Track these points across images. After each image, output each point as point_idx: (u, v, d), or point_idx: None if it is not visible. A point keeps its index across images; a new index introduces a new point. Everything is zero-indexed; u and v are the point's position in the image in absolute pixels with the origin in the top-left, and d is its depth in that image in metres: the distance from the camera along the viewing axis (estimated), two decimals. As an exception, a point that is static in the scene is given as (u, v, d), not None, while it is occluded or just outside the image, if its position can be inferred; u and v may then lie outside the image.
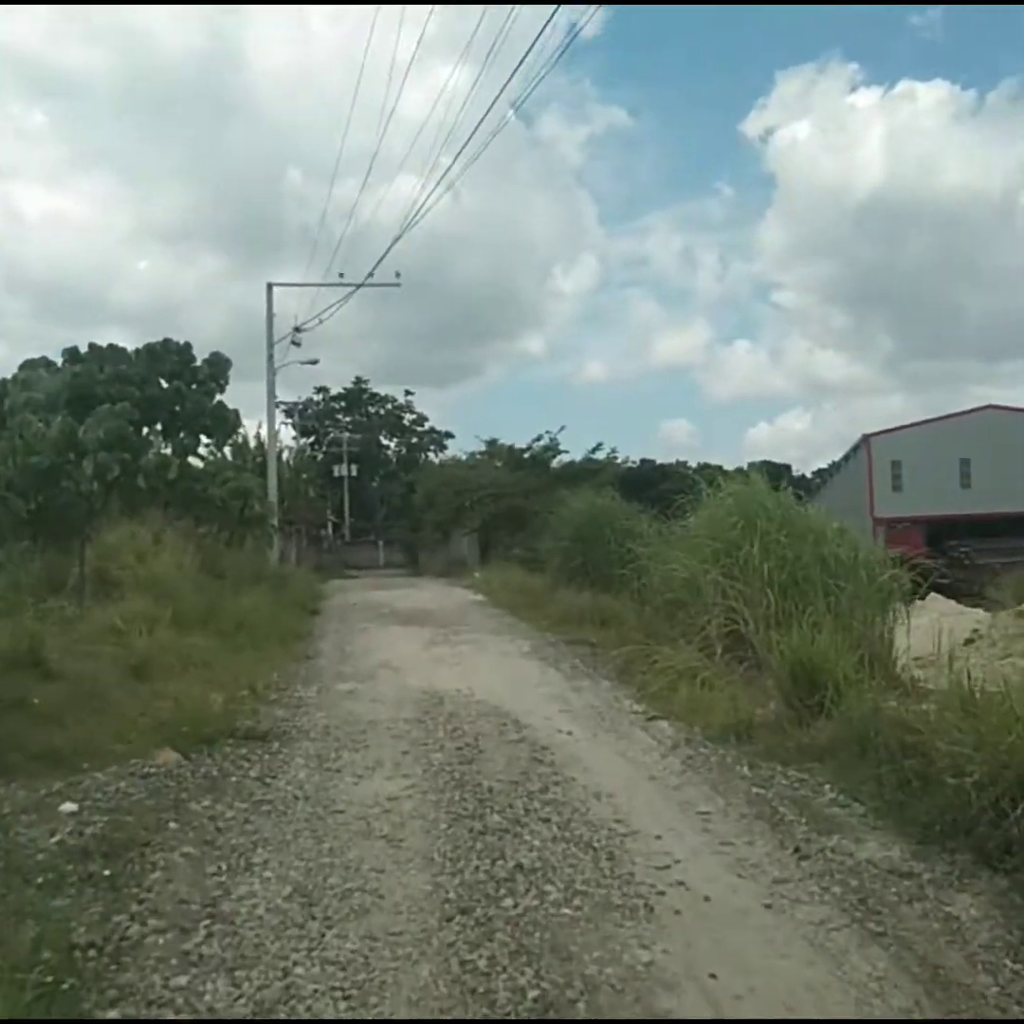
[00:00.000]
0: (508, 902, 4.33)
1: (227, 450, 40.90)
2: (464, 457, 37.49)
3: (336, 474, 65.61)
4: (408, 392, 71.42)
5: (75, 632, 8.85)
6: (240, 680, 8.57)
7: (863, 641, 7.94)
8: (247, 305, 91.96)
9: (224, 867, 4.71)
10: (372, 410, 72.24)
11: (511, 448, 33.37)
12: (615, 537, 13.90)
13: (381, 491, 69.56)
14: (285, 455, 42.81)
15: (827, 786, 5.80)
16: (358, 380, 71.70)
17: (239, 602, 12.26)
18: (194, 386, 16.11)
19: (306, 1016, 3.43)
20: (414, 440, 70.50)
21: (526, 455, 32.60)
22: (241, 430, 39.55)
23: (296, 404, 54.23)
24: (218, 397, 16.52)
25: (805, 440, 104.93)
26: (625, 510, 14.84)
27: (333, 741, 7.04)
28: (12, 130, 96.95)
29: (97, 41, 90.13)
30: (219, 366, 16.57)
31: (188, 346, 16.19)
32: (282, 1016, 3.44)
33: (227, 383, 16.63)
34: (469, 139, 17.79)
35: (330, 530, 57.54)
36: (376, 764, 6.44)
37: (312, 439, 69.19)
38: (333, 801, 5.66)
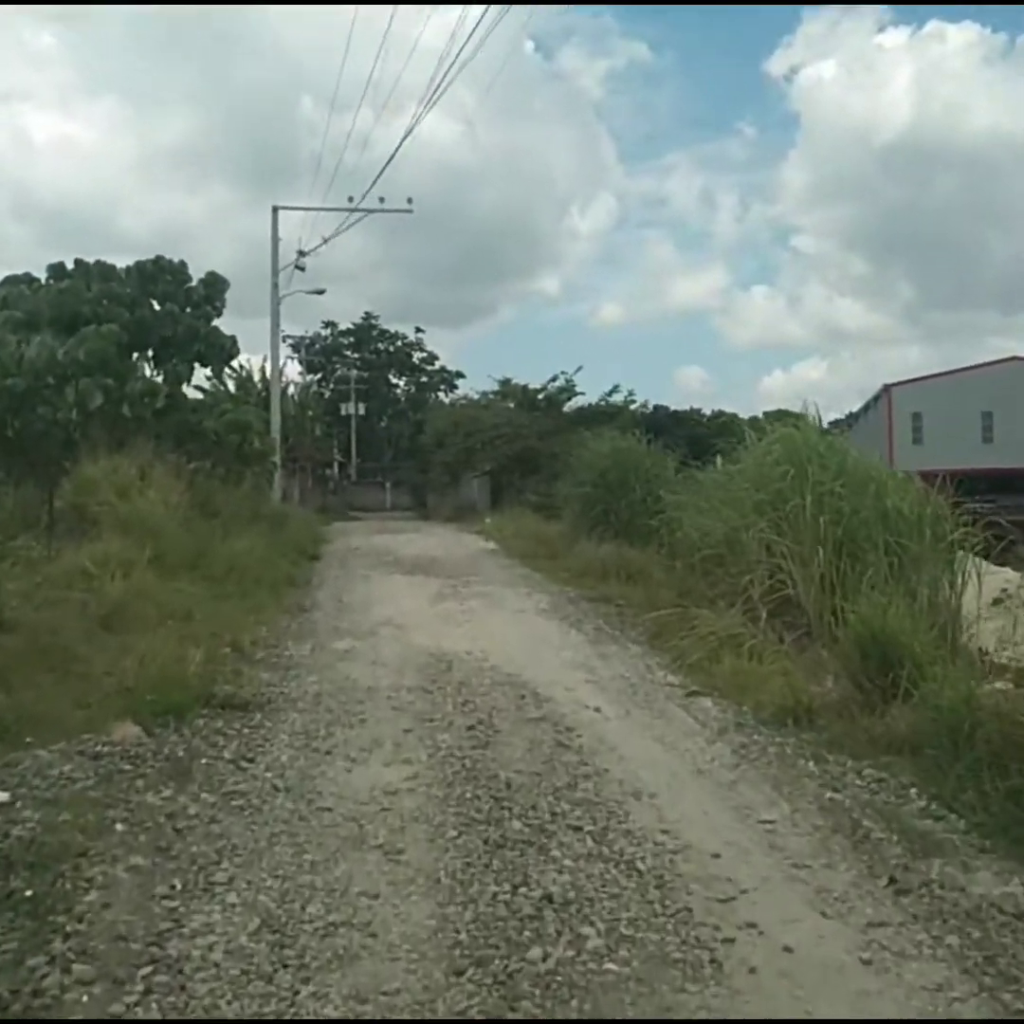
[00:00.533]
0: (536, 951, 3.37)
1: (229, 382, 40.10)
2: (476, 397, 36.25)
3: (343, 412, 64.32)
4: (419, 329, 69.68)
5: (39, 575, 7.86)
6: (224, 635, 7.60)
7: (934, 610, 6.93)
8: (255, 236, 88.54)
9: (178, 886, 3.76)
10: (381, 347, 70.55)
11: (525, 388, 32.12)
12: (641, 484, 12.84)
13: (389, 431, 68.29)
14: (291, 390, 41.64)
15: (913, 790, 4.83)
16: (367, 316, 69.93)
17: (231, 545, 11.27)
18: (188, 310, 14.89)
19: None
20: (424, 379, 68.95)
21: (540, 396, 31.38)
22: (244, 361, 38.85)
23: (303, 338, 52.80)
24: (214, 321, 15.32)
25: (821, 389, 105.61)
26: (653, 454, 13.73)
27: (325, 713, 6.08)
28: (20, 53, 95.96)
29: None
30: (215, 287, 15.31)
31: (183, 265, 14.94)
32: None
33: (224, 306, 15.43)
34: (467, 44, 16.25)
35: (336, 470, 56.49)
36: (373, 744, 5.48)
37: (319, 376, 67.71)
38: (320, 794, 4.71)
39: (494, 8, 14.70)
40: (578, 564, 12.01)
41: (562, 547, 13.98)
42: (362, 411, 65.11)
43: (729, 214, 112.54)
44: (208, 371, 16.04)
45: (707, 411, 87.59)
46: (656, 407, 31.13)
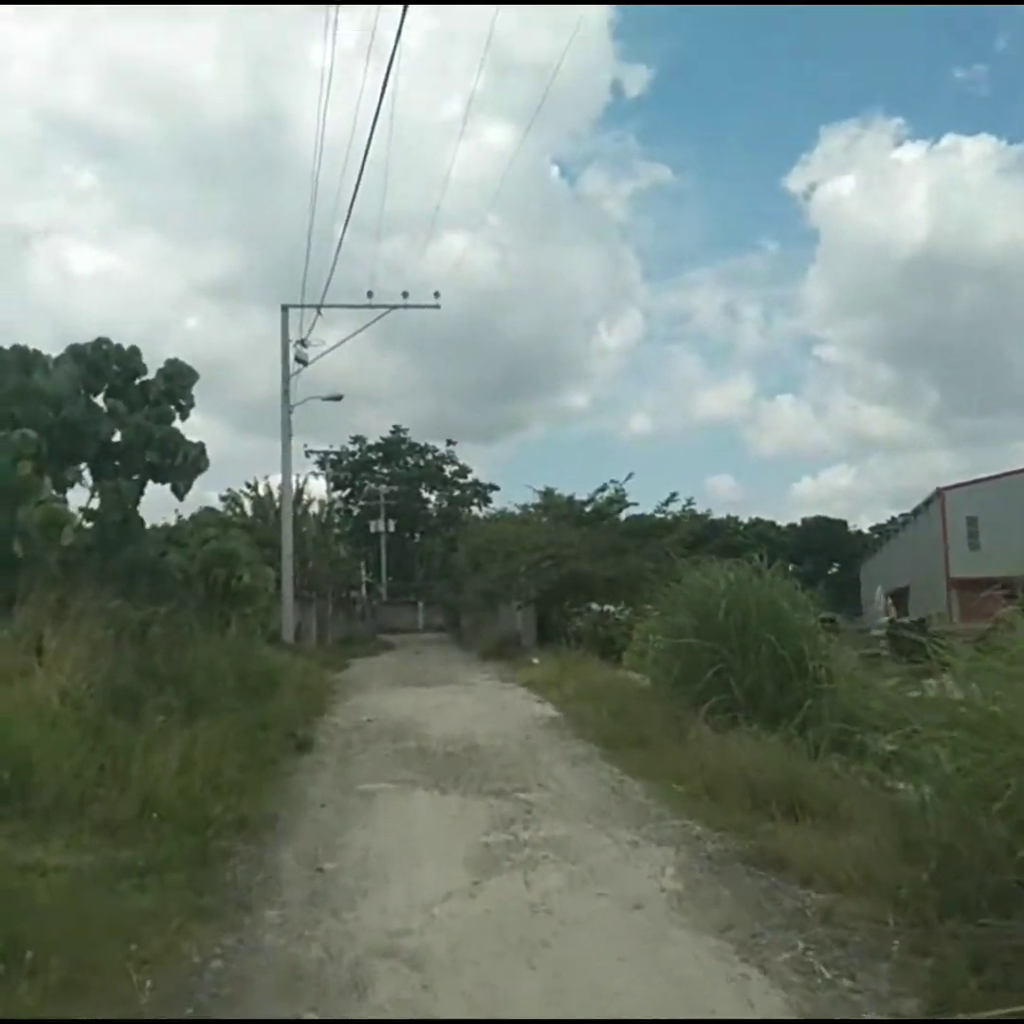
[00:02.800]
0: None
1: (246, 502, 36.77)
2: (516, 511, 32.46)
3: (372, 529, 60.97)
4: (450, 442, 66.90)
5: None
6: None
7: None
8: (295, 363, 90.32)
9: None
10: (411, 461, 67.77)
11: (571, 499, 28.28)
12: (779, 637, 8.66)
13: (421, 548, 64.65)
14: (314, 508, 38.17)
15: None
16: (396, 429, 67.47)
17: (161, 758, 7.14)
18: (146, 407, 11.38)
19: None
20: (456, 493, 65.72)
21: (588, 508, 27.49)
22: (263, 480, 35.48)
23: (328, 453, 49.70)
24: (176, 422, 11.71)
25: (850, 495, 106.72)
26: (788, 591, 9.57)
27: None
28: (62, 190, 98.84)
29: (145, 103, 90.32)
30: (178, 379, 11.78)
31: (135, 351, 11.40)
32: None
33: (191, 405, 11.87)
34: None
35: (364, 592, 52.59)
36: None
37: (347, 492, 64.80)
38: None
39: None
40: (695, 768, 7.71)
41: (655, 724, 9.68)
42: (392, 528, 61.70)
43: (753, 327, 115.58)
44: (168, 487, 12.37)
45: (744, 519, 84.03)
46: (628, 518, 27.08)
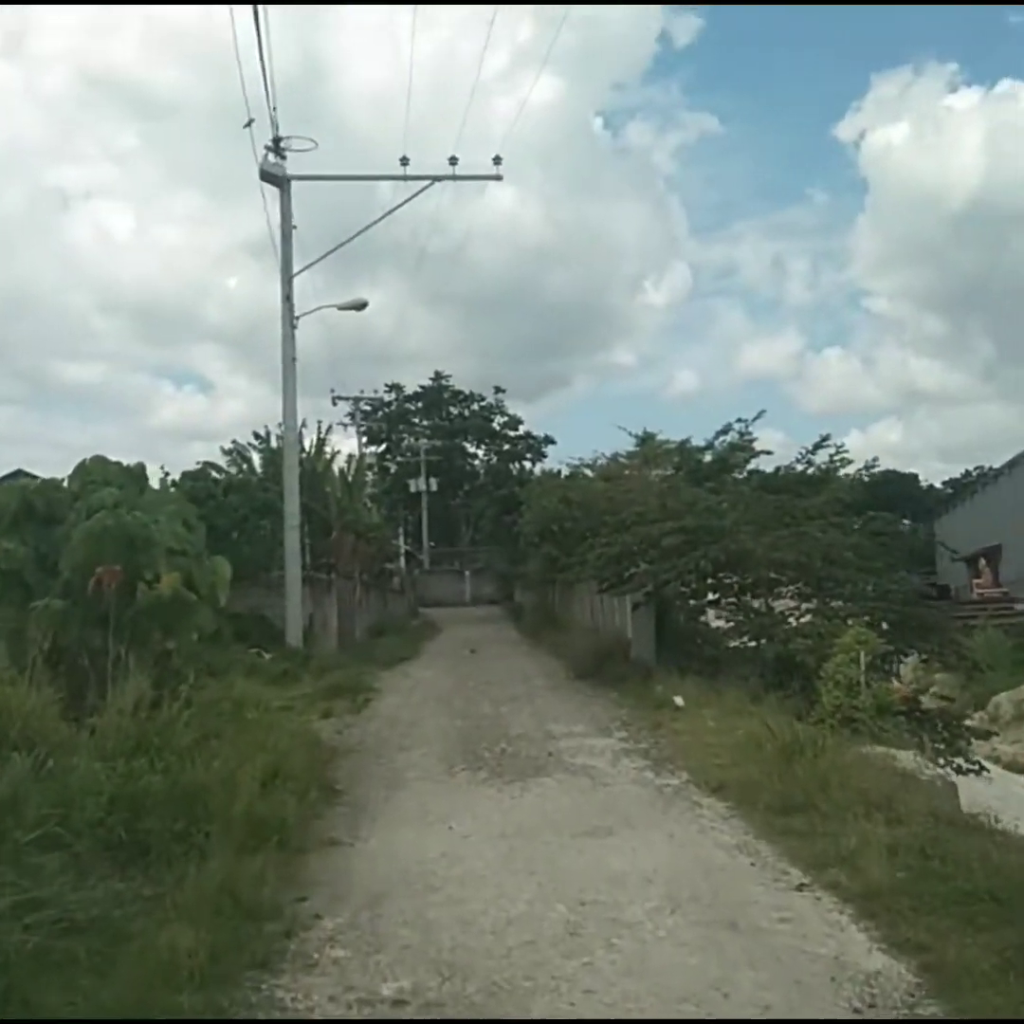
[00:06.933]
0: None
1: (255, 456, 29.65)
2: (595, 460, 24.98)
3: (412, 489, 53.86)
4: (498, 389, 59.25)
5: None
6: None
7: None
8: (340, 319, 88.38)
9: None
10: (454, 412, 60.31)
11: (683, 447, 20.75)
12: None
13: (466, 509, 57.49)
14: (339, 465, 31.05)
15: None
16: (437, 376, 59.88)
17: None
18: None
19: None
20: (506, 447, 58.17)
21: (709, 456, 19.98)
22: (276, 430, 28.13)
23: (358, 400, 42.44)
24: None
25: (900, 450, 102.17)
26: None
27: None
28: (104, 152, 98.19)
29: (188, 64, 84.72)
30: None
31: None
32: None
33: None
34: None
35: (402, 562, 45.61)
36: None
37: (382, 447, 57.67)
38: None
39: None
40: None
41: None
42: (434, 487, 54.58)
43: (800, 280, 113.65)
44: None
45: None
46: (750, 473, 19.47)
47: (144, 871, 5.84)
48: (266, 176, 16.81)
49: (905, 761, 8.28)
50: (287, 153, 17.04)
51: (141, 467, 8.96)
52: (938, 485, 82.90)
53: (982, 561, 45.34)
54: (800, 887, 5.51)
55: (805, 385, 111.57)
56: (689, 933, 4.90)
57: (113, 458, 8.99)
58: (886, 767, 7.47)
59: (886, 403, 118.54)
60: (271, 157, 16.64)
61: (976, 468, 70.75)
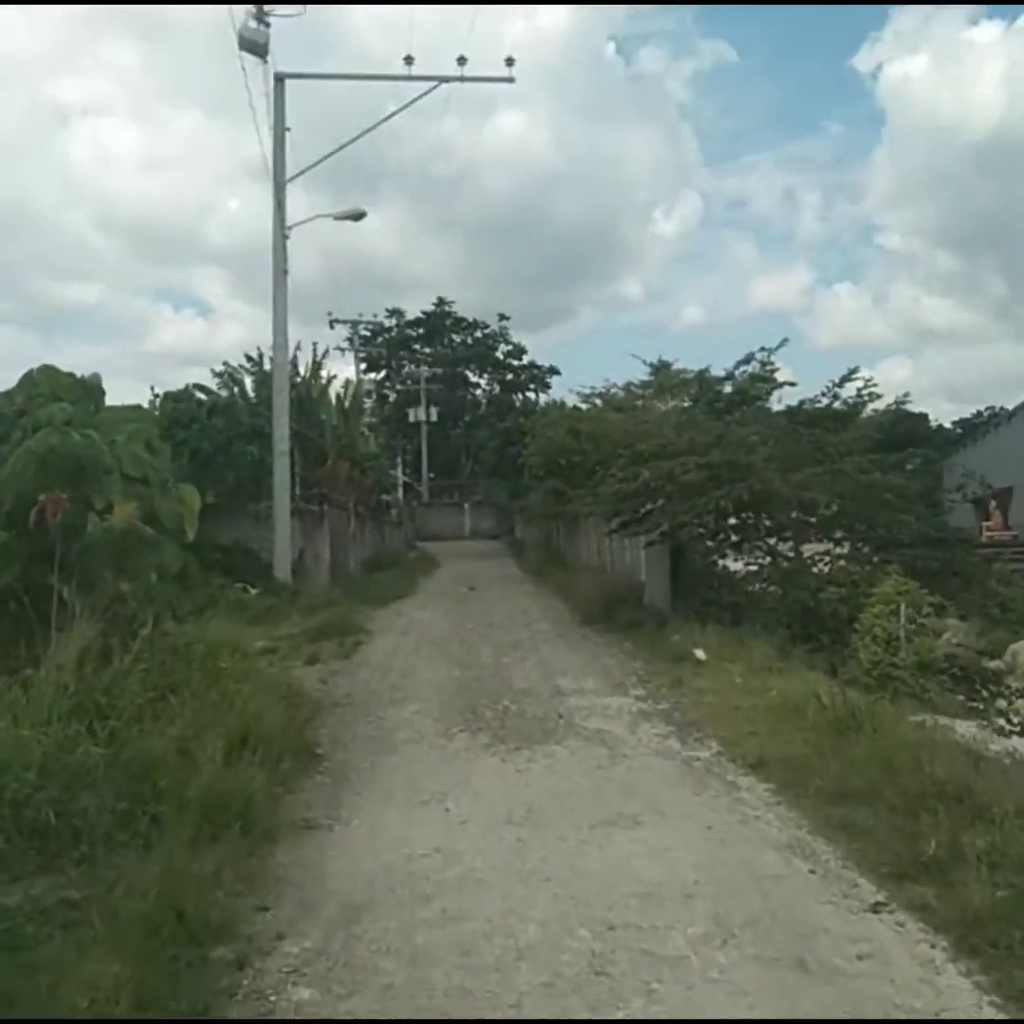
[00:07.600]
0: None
1: (247, 379, 28.15)
2: (608, 390, 23.60)
3: (412, 419, 52.40)
4: (502, 316, 57.28)
5: None
6: None
7: None
8: (342, 243, 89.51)
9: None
10: (457, 339, 58.45)
11: (701, 377, 19.41)
12: None
13: (467, 440, 56.06)
14: (335, 390, 29.61)
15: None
16: (440, 302, 57.86)
17: None
18: None
19: None
20: (509, 377, 56.46)
21: (729, 387, 18.68)
22: (269, 352, 26.61)
23: (357, 324, 40.70)
24: None
25: (907, 388, 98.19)
26: None
27: None
28: (104, 68, 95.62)
29: None
30: None
31: None
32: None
33: None
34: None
35: (401, 493, 44.44)
36: None
37: (382, 374, 55.99)
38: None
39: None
40: None
41: None
42: (434, 417, 53.12)
43: (812, 213, 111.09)
44: None
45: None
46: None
47: (76, 864, 4.86)
48: (246, 43, 14.85)
49: (965, 732, 7.27)
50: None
51: (97, 378, 7.73)
52: (947, 425, 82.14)
53: (992, 504, 44.30)
54: (876, 908, 4.47)
55: (814, 320, 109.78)
56: (747, 975, 3.86)
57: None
58: (955, 744, 6.42)
59: (895, 341, 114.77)
60: (251, 23, 14.75)
61: (987, 409, 69.85)
